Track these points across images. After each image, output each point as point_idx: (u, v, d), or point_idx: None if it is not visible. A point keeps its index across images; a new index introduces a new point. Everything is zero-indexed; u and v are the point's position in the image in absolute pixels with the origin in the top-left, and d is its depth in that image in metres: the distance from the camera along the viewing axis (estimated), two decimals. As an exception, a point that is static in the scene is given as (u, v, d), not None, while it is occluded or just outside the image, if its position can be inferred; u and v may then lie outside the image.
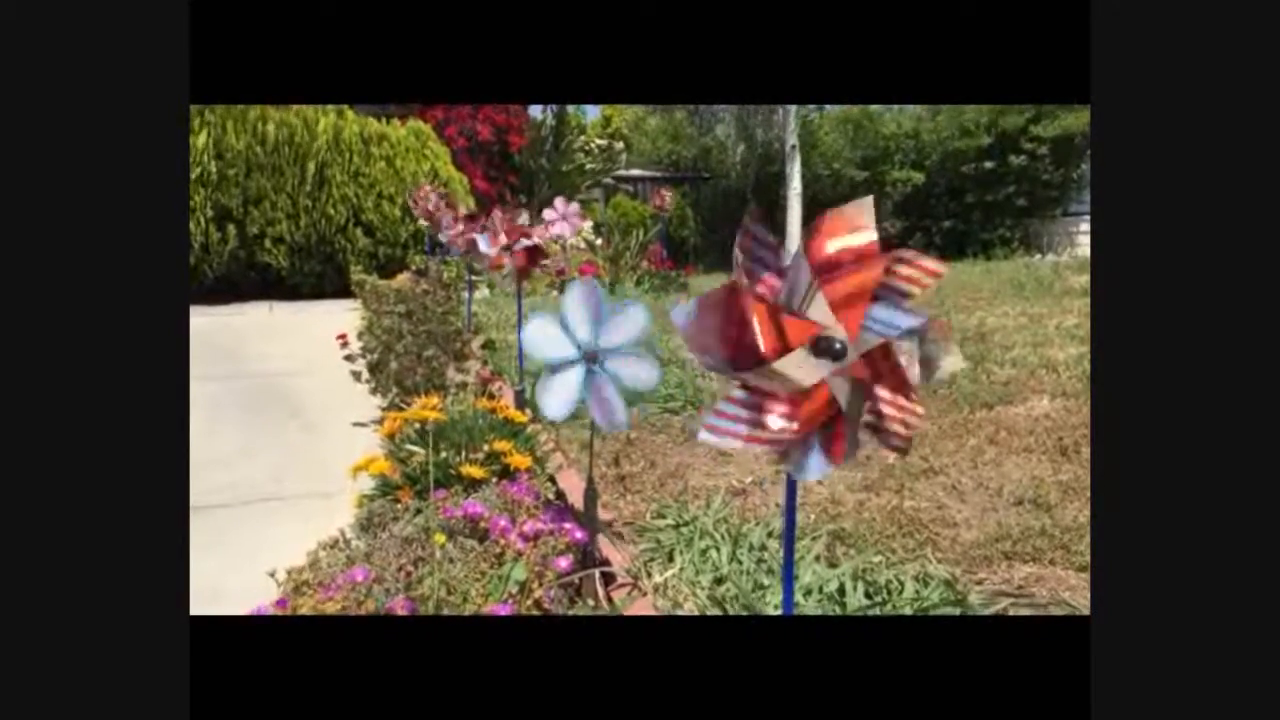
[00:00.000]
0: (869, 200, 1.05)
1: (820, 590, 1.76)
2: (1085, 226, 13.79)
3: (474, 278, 4.05)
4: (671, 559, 1.94)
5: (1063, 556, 1.99)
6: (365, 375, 3.25)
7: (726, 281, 1.09)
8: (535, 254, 2.77)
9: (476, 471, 2.13)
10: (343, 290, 7.02)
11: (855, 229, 1.05)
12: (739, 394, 1.06)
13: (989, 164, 13.52)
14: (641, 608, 1.66)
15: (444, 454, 2.22)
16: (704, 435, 1.06)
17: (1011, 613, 1.73)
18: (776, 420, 1.04)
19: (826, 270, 1.03)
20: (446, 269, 5.41)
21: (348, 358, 3.25)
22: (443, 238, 3.71)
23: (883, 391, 1.04)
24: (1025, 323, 5.31)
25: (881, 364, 1.03)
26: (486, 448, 2.23)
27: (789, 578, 1.27)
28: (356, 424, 3.25)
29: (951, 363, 1.04)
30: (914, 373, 1.04)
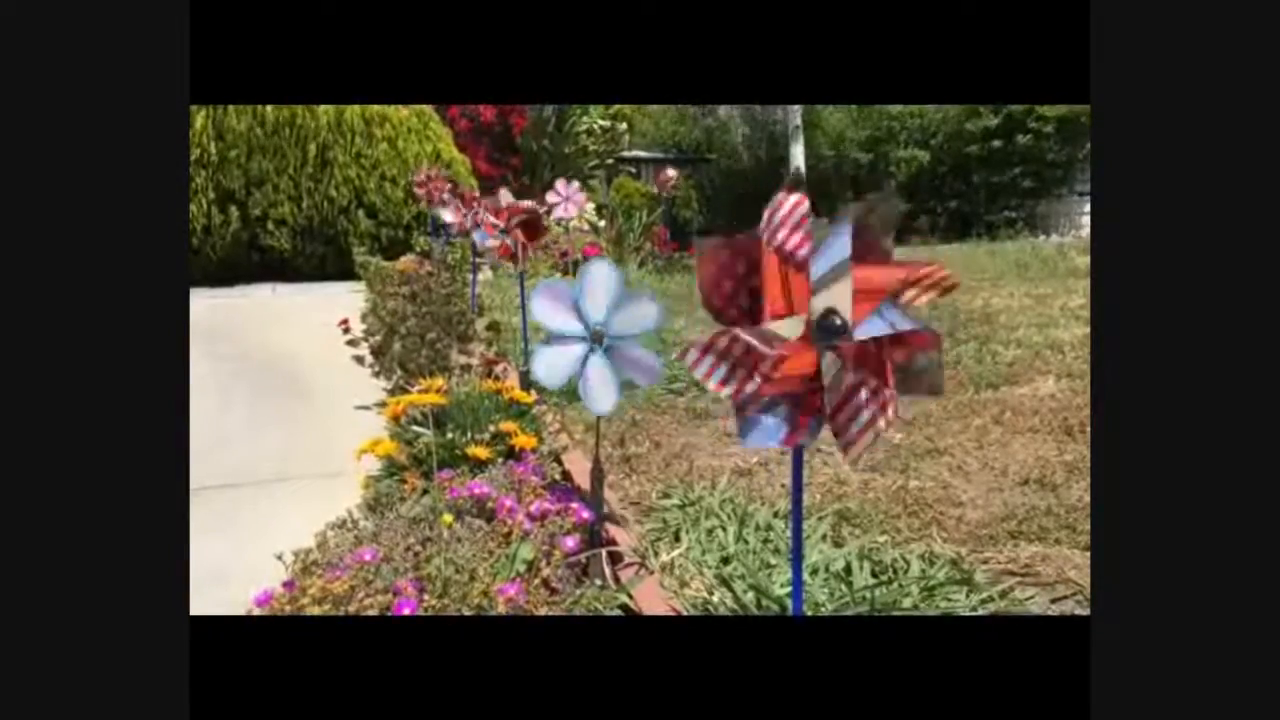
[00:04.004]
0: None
1: (826, 569, 1.77)
2: (1089, 207, 13.70)
3: (478, 259, 4.04)
4: (678, 539, 1.95)
5: (1068, 536, 1.99)
6: (369, 359, 3.25)
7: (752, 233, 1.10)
8: (533, 228, 2.75)
9: (482, 452, 2.13)
10: (345, 272, 7.01)
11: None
12: (725, 339, 1.06)
13: (995, 143, 13.42)
14: (649, 587, 1.67)
15: (450, 435, 2.22)
16: (690, 356, 1.07)
17: (1017, 591, 1.73)
18: (753, 373, 1.05)
19: (860, 255, 1.04)
20: (451, 251, 5.39)
21: (350, 343, 3.24)
22: (447, 217, 3.69)
23: (867, 383, 1.05)
24: (1030, 304, 5.30)
25: (873, 358, 1.05)
26: (492, 428, 2.23)
27: (797, 562, 1.27)
28: (360, 407, 3.25)
29: (933, 383, 1.07)
30: (896, 379, 1.06)
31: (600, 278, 1.64)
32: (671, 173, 7.11)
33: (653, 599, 1.63)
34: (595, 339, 1.71)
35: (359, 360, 3.25)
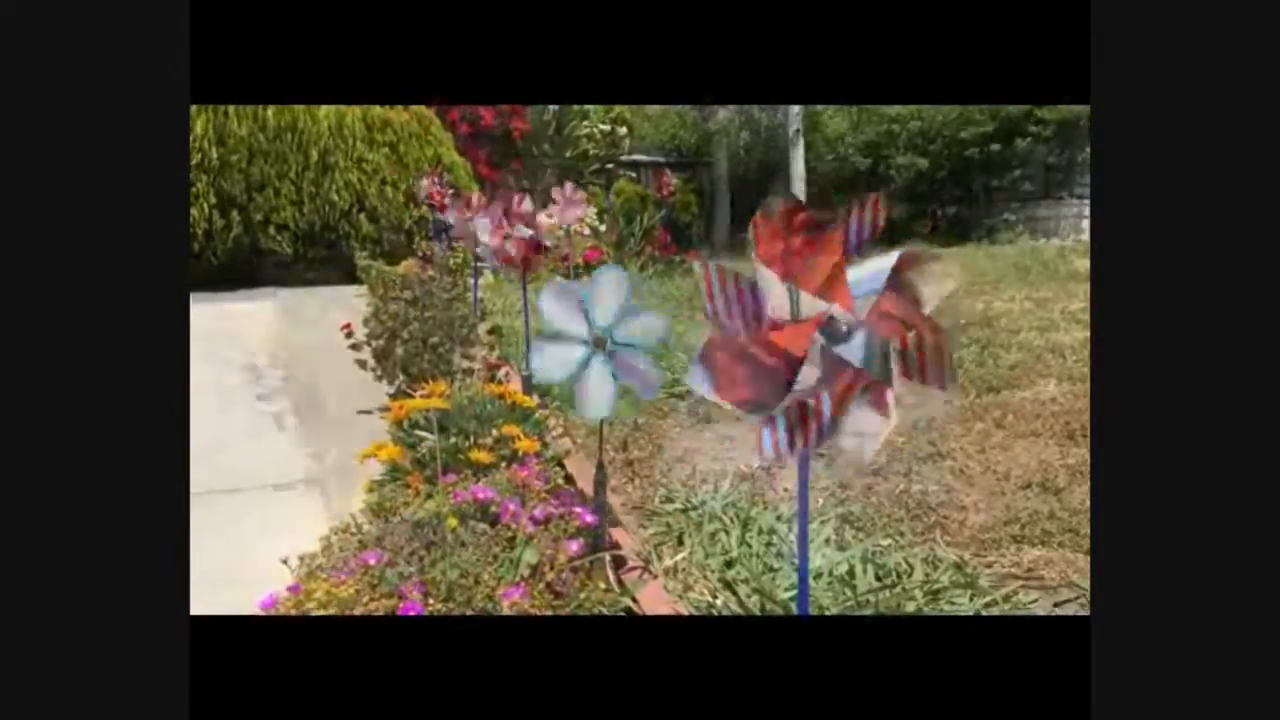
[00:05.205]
0: (793, 196, 1.09)
1: (830, 574, 1.77)
2: (1089, 210, 13.69)
3: (480, 264, 4.05)
4: (681, 543, 1.95)
5: (1071, 539, 1.99)
6: (371, 363, 3.25)
7: (710, 338, 1.12)
8: (535, 246, 2.76)
9: (485, 456, 2.13)
10: (347, 277, 7.02)
11: (789, 220, 1.08)
12: (734, 283, 1.09)
13: (995, 147, 13.41)
14: (653, 590, 1.67)
15: (453, 439, 2.22)
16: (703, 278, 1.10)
17: (1020, 595, 1.73)
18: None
19: (787, 266, 1.06)
20: (453, 255, 5.39)
21: (353, 346, 3.24)
22: (451, 220, 3.70)
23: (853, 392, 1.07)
24: (1031, 307, 5.30)
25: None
26: (495, 432, 2.24)
27: (804, 566, 1.27)
28: (362, 411, 3.26)
29: (940, 288, 1.07)
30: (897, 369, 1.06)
31: (611, 283, 1.64)
32: (670, 177, 7.10)
33: (656, 603, 1.63)
34: (597, 343, 1.72)
35: (362, 365, 3.25)
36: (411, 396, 2.76)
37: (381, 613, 1.40)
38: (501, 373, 2.98)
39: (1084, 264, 7.21)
